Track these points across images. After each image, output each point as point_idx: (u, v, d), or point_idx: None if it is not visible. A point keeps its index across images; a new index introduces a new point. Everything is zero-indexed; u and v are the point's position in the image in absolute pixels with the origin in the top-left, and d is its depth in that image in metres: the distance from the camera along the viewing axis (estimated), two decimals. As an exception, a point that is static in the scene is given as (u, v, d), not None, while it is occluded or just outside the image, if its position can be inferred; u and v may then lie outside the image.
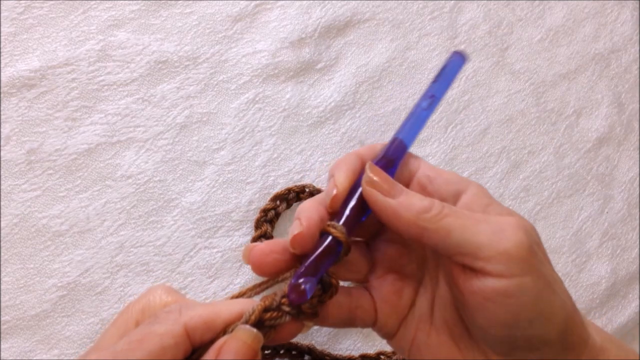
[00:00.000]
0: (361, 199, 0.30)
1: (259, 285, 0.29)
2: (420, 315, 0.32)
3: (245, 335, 0.25)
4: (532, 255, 0.27)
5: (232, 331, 0.25)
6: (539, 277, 0.27)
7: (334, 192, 0.30)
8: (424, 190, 0.31)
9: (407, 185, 0.32)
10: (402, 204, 0.28)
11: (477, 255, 0.27)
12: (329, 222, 0.29)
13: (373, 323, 0.33)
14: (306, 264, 0.28)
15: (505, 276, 0.27)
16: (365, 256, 0.34)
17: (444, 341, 0.31)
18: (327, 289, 0.28)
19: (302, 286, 0.27)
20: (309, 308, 0.28)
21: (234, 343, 0.25)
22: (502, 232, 0.27)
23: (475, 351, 0.30)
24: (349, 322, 0.32)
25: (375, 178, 0.29)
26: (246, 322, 0.26)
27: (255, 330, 0.25)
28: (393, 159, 0.31)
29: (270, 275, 0.29)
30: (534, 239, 0.28)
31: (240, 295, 0.29)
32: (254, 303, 0.27)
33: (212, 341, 0.25)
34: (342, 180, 0.30)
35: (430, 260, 0.33)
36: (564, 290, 0.29)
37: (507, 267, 0.27)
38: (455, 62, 0.35)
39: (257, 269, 0.29)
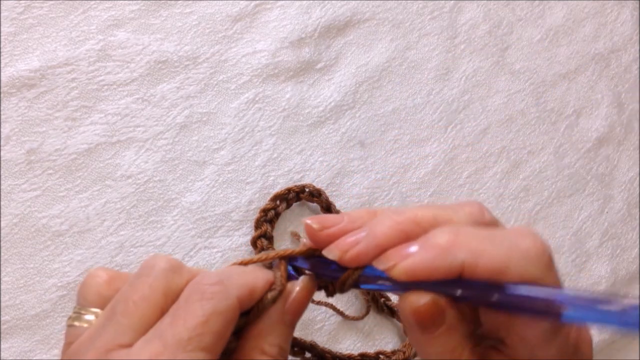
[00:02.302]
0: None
1: (258, 258, 0.29)
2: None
3: (308, 283, 0.27)
4: None
5: (271, 299, 0.26)
6: None
7: (320, 231, 0.26)
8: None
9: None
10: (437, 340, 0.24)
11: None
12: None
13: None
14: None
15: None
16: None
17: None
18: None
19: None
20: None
21: (301, 292, 0.26)
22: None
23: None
24: None
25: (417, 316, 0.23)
26: (281, 285, 0.27)
27: (307, 277, 0.27)
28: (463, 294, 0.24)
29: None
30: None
31: (247, 262, 0.28)
32: (268, 271, 0.27)
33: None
34: (407, 269, 0.23)
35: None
36: None
37: None
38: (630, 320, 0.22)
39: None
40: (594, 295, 0.23)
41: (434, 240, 0.23)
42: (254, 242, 0.49)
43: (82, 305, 0.26)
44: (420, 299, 0.23)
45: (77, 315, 0.26)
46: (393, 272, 0.23)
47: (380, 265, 0.24)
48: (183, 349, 0.22)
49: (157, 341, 0.23)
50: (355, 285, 0.26)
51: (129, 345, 0.23)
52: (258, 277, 0.26)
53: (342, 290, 0.27)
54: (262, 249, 0.48)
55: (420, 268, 0.23)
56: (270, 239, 0.49)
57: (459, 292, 0.23)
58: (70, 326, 0.26)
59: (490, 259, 0.23)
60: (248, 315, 0.26)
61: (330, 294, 0.28)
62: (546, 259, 0.24)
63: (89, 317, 0.26)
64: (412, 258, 0.23)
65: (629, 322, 0.22)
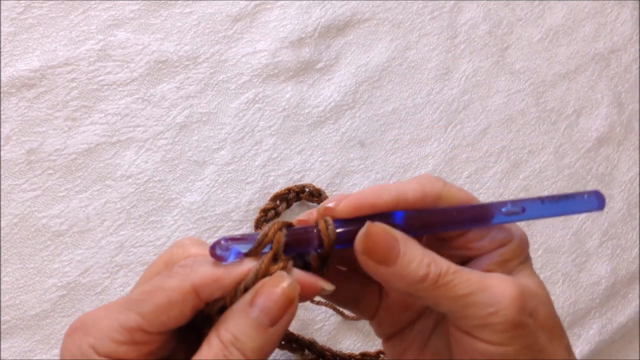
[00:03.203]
0: (348, 234, 0.28)
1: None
2: (418, 337, 0.33)
3: (280, 281, 0.26)
4: (520, 329, 0.27)
5: (243, 289, 0.26)
6: (524, 348, 0.27)
7: (331, 204, 0.28)
8: (466, 247, 0.30)
9: (455, 237, 0.30)
10: (394, 274, 0.27)
11: (465, 323, 0.27)
12: (327, 217, 0.28)
13: (371, 317, 0.34)
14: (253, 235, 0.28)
15: (489, 342, 0.27)
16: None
17: None
18: (307, 268, 0.28)
19: (221, 242, 0.26)
20: (314, 260, 0.28)
21: (272, 289, 0.25)
22: (494, 304, 0.27)
23: None
24: (352, 303, 0.33)
25: (367, 247, 0.27)
26: (255, 276, 0.26)
27: (290, 278, 0.26)
28: (427, 223, 0.29)
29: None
30: (529, 309, 0.28)
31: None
32: (262, 257, 0.27)
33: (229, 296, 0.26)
34: (345, 209, 0.28)
35: None
36: None
37: (492, 337, 0.27)
38: (587, 201, 0.29)
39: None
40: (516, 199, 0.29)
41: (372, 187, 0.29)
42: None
43: None
44: (366, 228, 0.27)
45: None
46: (338, 208, 0.28)
47: (330, 204, 0.28)
48: (125, 307, 0.25)
49: (121, 299, 0.26)
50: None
51: None
52: (232, 270, 0.26)
53: (329, 247, 0.28)
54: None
55: (359, 202, 0.28)
56: (270, 239, 0.49)
57: (399, 215, 0.28)
58: None
59: (419, 189, 0.29)
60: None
61: (315, 263, 0.28)
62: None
63: None
64: (352, 195, 0.28)
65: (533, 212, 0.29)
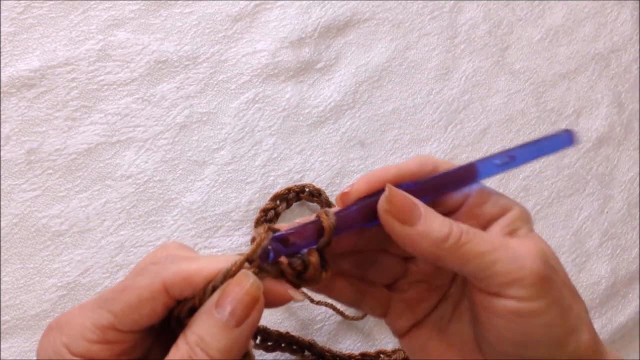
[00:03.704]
0: (367, 209, 0.30)
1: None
2: (438, 323, 0.33)
3: (244, 280, 0.26)
4: (548, 283, 0.28)
5: (211, 290, 0.25)
6: (553, 303, 0.28)
7: (346, 189, 0.30)
8: (471, 215, 0.31)
9: (459, 207, 0.31)
10: (420, 233, 0.28)
11: (492, 282, 0.28)
12: (325, 209, 0.29)
13: (383, 314, 0.34)
14: (283, 233, 0.28)
15: (519, 299, 0.27)
16: (399, 265, 0.34)
17: (453, 353, 0.32)
18: (306, 267, 0.28)
19: (268, 246, 0.27)
20: (290, 269, 0.28)
21: (235, 288, 0.25)
22: (519, 259, 0.27)
23: None
24: (355, 302, 0.33)
25: (391, 205, 0.28)
26: (224, 277, 0.26)
27: (254, 277, 0.26)
28: (432, 188, 0.31)
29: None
30: (552, 265, 0.28)
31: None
32: (236, 258, 0.27)
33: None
34: (360, 185, 0.30)
35: (460, 276, 0.33)
36: (582, 319, 0.29)
37: (521, 292, 0.27)
38: (560, 139, 0.32)
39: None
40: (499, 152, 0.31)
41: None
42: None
43: None
44: (388, 190, 0.28)
45: None
46: (352, 190, 0.30)
47: (346, 189, 0.30)
48: (98, 305, 0.25)
49: (94, 297, 0.26)
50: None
51: None
52: (203, 268, 0.26)
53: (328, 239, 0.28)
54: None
55: (369, 178, 0.30)
56: (270, 238, 0.49)
57: (410, 184, 0.30)
58: None
59: (417, 163, 0.31)
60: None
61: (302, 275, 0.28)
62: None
63: None
64: (362, 176, 0.30)
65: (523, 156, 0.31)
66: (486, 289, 0.28)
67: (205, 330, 0.25)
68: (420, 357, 0.33)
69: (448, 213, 0.31)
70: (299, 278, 0.28)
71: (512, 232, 0.30)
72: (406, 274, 0.34)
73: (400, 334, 0.34)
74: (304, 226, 0.28)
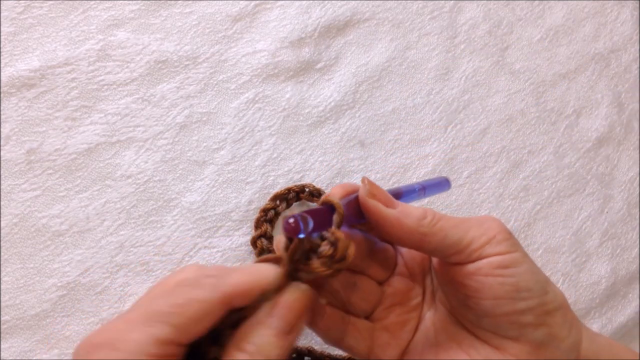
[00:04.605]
0: (351, 205, 0.32)
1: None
2: (425, 340, 0.34)
3: (297, 292, 0.28)
4: (515, 239, 0.31)
5: (262, 299, 0.27)
6: (525, 255, 0.31)
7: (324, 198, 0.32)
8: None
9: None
10: (402, 212, 0.31)
11: (472, 247, 0.30)
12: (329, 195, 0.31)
13: (368, 349, 0.34)
14: (300, 213, 0.28)
15: (499, 253, 0.30)
16: (377, 289, 0.36)
17: (454, 353, 0.32)
18: (335, 245, 0.29)
19: (291, 219, 0.28)
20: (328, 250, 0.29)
21: (288, 298, 0.27)
22: (486, 223, 0.31)
23: (488, 351, 0.31)
24: (340, 335, 0.34)
25: (374, 191, 0.31)
26: (276, 287, 0.27)
27: (304, 285, 0.28)
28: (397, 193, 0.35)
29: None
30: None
31: (267, 260, 0.30)
32: (276, 270, 0.28)
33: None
34: (336, 192, 0.32)
35: (427, 288, 0.36)
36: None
37: (499, 247, 0.30)
38: (441, 185, 0.40)
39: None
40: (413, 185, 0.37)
41: None
42: (253, 242, 0.49)
43: None
44: (365, 179, 0.31)
45: None
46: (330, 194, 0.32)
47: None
48: (154, 318, 0.25)
49: (136, 309, 0.25)
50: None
51: None
52: (262, 277, 0.27)
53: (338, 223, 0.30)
54: (262, 249, 0.48)
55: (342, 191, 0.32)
56: (270, 238, 0.49)
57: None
58: None
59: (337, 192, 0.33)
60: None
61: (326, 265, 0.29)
62: None
63: None
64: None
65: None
66: (468, 258, 0.30)
67: (265, 340, 0.26)
68: None
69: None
70: (333, 261, 0.29)
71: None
72: (382, 299, 0.35)
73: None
74: (315, 212, 0.29)
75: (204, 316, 0.25)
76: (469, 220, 0.31)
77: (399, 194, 0.35)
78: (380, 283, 0.36)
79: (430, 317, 0.35)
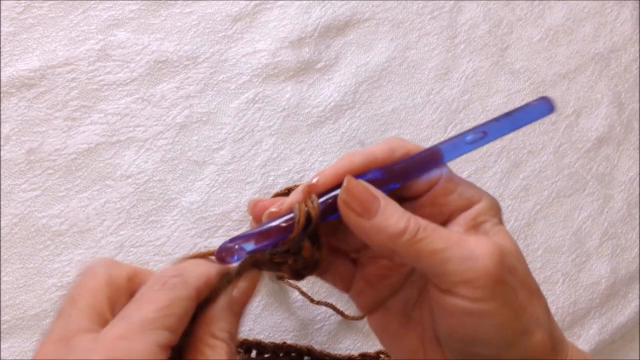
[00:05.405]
0: (329, 204, 0.30)
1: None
2: (403, 308, 0.33)
3: (253, 276, 0.29)
4: (500, 284, 0.27)
5: (224, 288, 0.28)
6: (504, 304, 0.27)
7: (314, 180, 0.30)
8: (436, 203, 0.31)
9: (425, 192, 0.31)
10: (375, 226, 0.28)
11: (444, 280, 0.28)
12: (311, 195, 0.29)
13: (346, 289, 0.34)
14: (254, 231, 0.29)
15: (469, 299, 0.27)
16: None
17: (413, 339, 0.32)
18: (297, 255, 0.29)
19: (235, 247, 0.28)
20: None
21: (245, 285, 0.28)
22: (471, 259, 0.27)
23: (439, 357, 0.31)
24: (322, 273, 0.34)
25: (350, 197, 0.28)
26: (235, 275, 0.28)
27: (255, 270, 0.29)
28: (399, 174, 0.30)
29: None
30: (509, 265, 0.28)
31: (194, 256, 0.30)
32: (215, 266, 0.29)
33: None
34: (327, 175, 0.30)
35: None
36: (536, 320, 0.29)
37: (471, 292, 0.27)
38: (538, 108, 0.30)
39: (257, 221, 0.31)
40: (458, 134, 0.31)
41: None
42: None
43: None
44: (346, 181, 0.29)
45: None
46: (318, 183, 0.30)
47: (314, 180, 0.30)
48: (149, 326, 0.24)
49: (122, 322, 0.24)
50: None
51: (87, 329, 0.24)
52: (212, 268, 0.28)
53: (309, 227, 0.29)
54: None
55: (334, 170, 0.30)
56: (270, 238, 0.49)
57: (375, 172, 0.30)
58: None
59: (387, 148, 0.31)
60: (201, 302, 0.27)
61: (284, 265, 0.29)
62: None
63: None
64: (327, 168, 0.30)
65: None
66: (439, 285, 0.28)
67: (234, 326, 0.27)
68: (381, 337, 0.34)
69: (414, 198, 0.31)
70: (300, 270, 0.30)
71: (476, 226, 0.30)
72: (367, 246, 0.33)
73: (365, 311, 0.34)
74: (264, 232, 0.29)
75: (189, 313, 0.26)
76: (457, 248, 0.27)
77: (436, 157, 0.30)
78: None
79: (419, 286, 0.33)
